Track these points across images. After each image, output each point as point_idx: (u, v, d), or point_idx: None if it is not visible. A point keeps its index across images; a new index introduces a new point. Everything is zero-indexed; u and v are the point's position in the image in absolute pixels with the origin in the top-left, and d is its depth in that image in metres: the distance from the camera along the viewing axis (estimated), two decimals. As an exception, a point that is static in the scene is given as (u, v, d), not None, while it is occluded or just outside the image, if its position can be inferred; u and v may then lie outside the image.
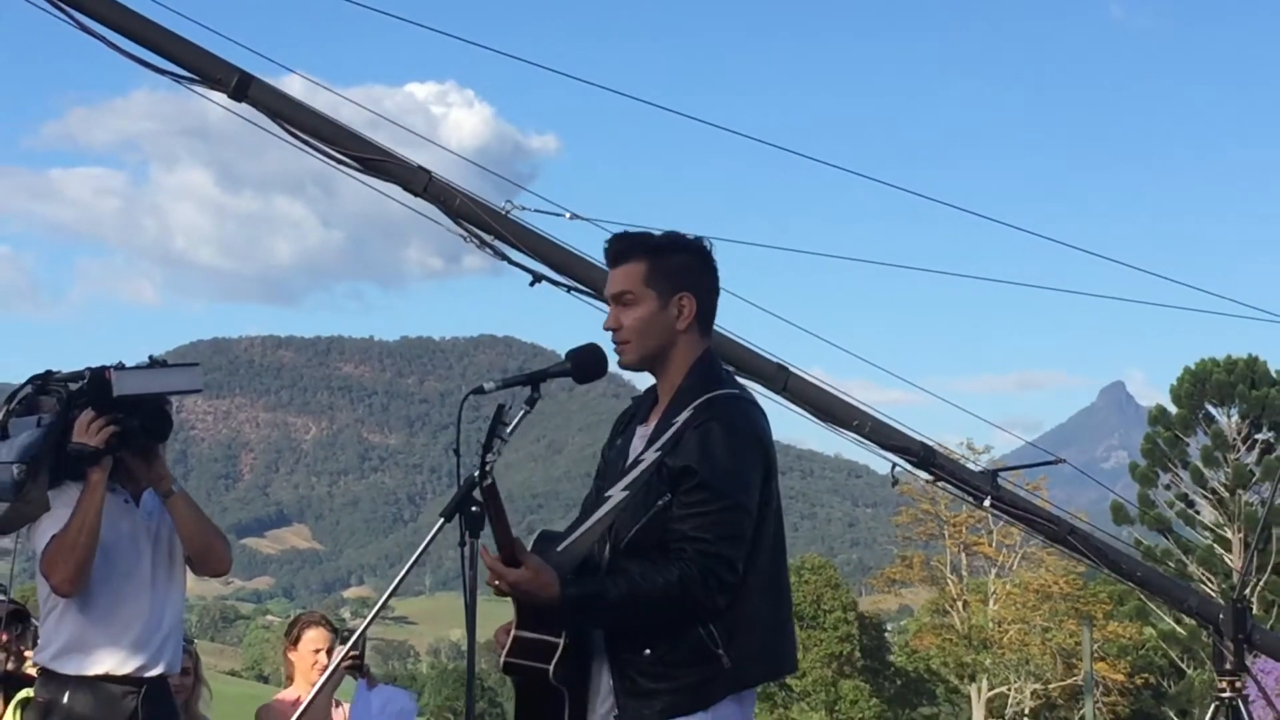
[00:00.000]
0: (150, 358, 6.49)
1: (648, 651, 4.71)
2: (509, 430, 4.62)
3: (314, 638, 8.43)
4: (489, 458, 4.51)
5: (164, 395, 6.47)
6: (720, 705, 4.75)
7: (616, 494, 4.84)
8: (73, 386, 6.40)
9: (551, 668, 4.74)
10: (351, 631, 7.70)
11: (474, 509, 4.54)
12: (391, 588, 5.29)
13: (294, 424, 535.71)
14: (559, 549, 4.84)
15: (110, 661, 6.37)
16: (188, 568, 6.69)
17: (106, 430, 6.22)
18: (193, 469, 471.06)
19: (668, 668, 4.71)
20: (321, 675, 7.91)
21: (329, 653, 8.30)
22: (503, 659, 4.82)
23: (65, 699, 6.33)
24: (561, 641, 4.74)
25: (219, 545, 6.71)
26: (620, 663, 4.77)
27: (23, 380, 6.46)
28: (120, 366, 6.35)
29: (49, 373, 6.48)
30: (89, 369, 6.39)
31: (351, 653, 7.76)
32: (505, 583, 4.59)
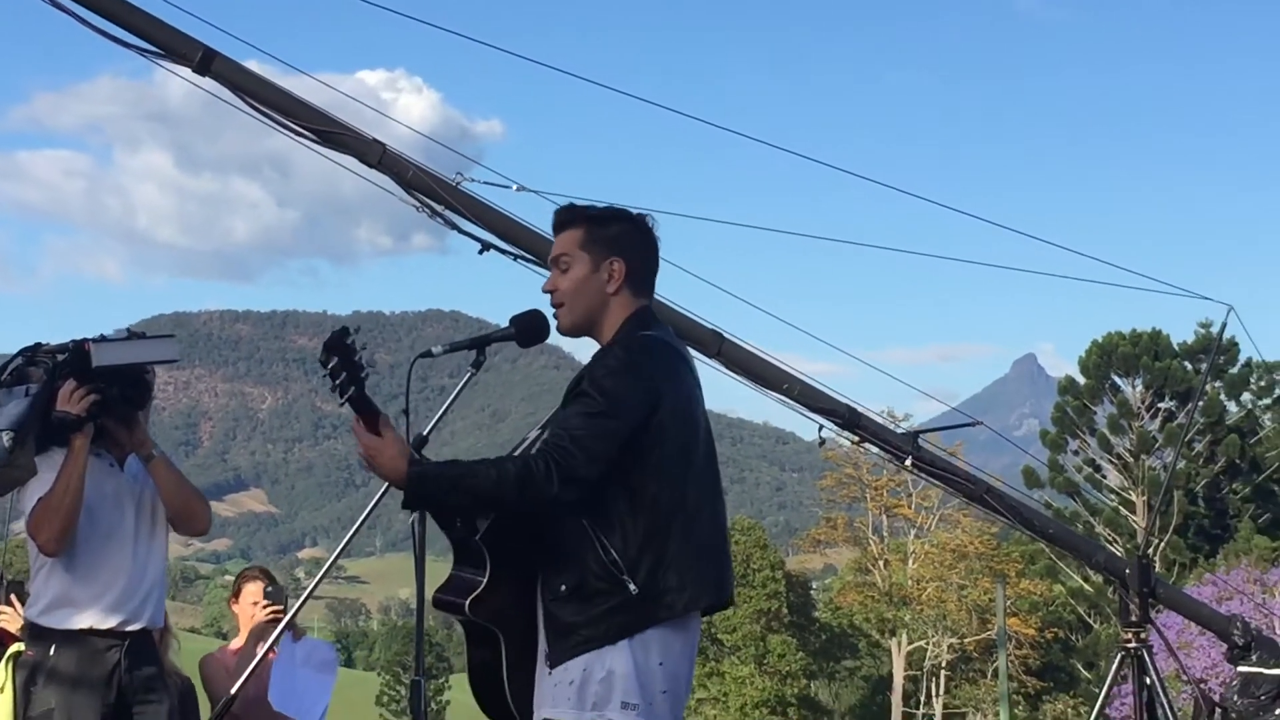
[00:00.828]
0: (129, 330, 6.57)
1: (563, 587, 4.65)
2: (459, 390, 4.60)
3: (252, 590, 8.46)
4: (338, 381, 4.48)
5: (142, 365, 6.54)
6: (643, 636, 4.67)
7: (533, 433, 4.85)
8: (60, 358, 6.44)
9: (467, 603, 4.67)
10: (280, 589, 8.10)
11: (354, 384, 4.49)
12: (341, 545, 5.26)
13: (251, 394, 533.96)
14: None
15: (94, 616, 6.43)
16: (170, 528, 6.73)
17: (87, 399, 6.31)
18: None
19: (581, 602, 4.63)
20: (263, 620, 8.08)
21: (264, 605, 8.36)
22: (433, 594, 4.76)
23: (52, 652, 6.39)
24: (483, 580, 4.67)
25: (199, 506, 6.79)
26: (544, 600, 4.72)
27: (7, 352, 6.51)
28: (100, 338, 6.43)
29: (38, 345, 6.53)
30: (72, 341, 6.45)
31: (274, 607, 8.07)
32: (361, 442, 4.56)
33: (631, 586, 4.63)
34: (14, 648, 6.85)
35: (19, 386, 6.33)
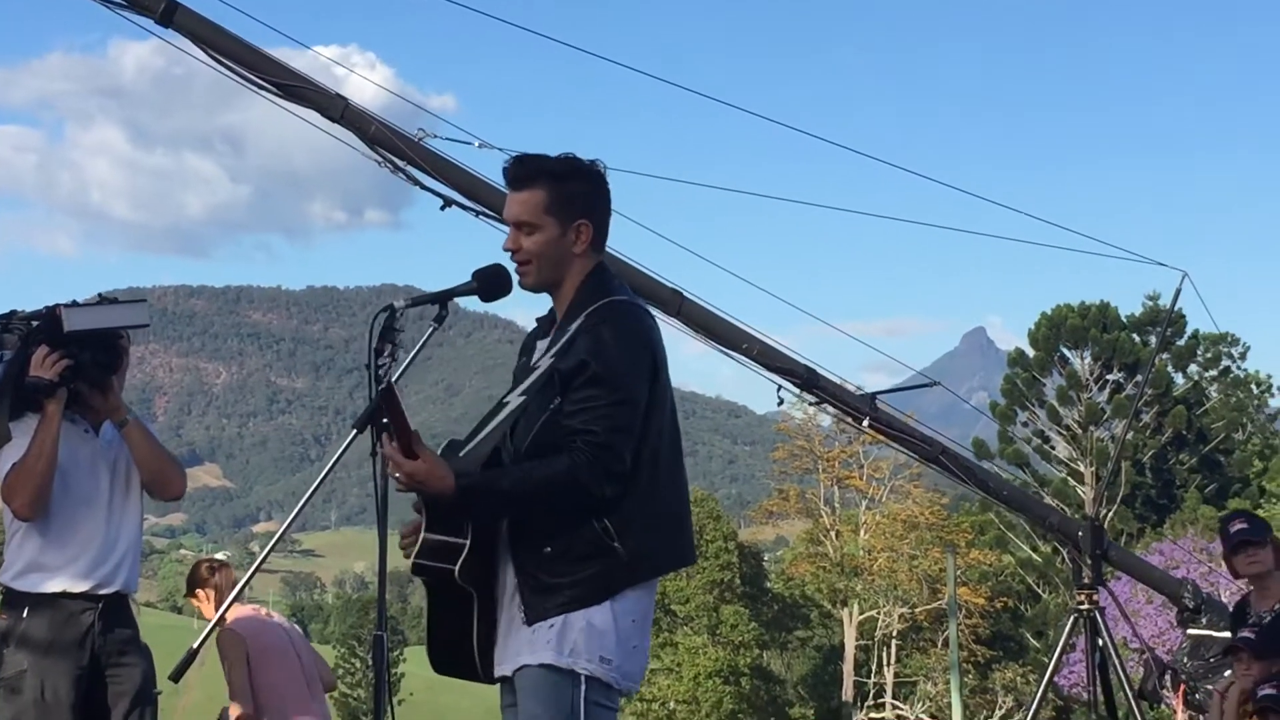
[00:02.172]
0: (100, 295, 6.60)
1: (548, 549, 4.67)
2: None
3: (218, 581, 8.82)
4: (382, 361, 4.48)
5: (114, 330, 6.50)
6: (622, 596, 4.73)
7: (513, 399, 4.81)
8: (33, 324, 6.43)
9: (457, 568, 4.68)
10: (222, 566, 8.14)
11: (384, 421, 4.47)
12: (291, 516, 5.20)
13: (205, 369, 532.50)
14: (460, 454, 4.78)
15: (68, 580, 6.40)
16: (145, 493, 6.69)
17: (60, 364, 6.29)
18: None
19: (567, 564, 4.66)
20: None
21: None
22: (411, 560, 4.75)
23: (25, 615, 6.36)
24: (467, 543, 4.68)
25: (173, 471, 6.74)
26: (522, 560, 4.72)
27: None
28: (73, 304, 6.41)
29: (13, 312, 6.51)
30: (45, 308, 6.43)
31: None
32: (403, 473, 4.52)
33: (621, 552, 4.68)
34: None
35: None
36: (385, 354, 4.50)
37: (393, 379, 4.48)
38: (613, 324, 4.75)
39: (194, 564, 9.43)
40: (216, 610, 8.30)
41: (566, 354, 4.72)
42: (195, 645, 4.66)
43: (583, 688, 4.66)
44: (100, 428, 6.61)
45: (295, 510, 5.06)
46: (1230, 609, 9.59)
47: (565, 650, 4.65)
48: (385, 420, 4.47)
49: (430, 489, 4.56)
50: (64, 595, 6.38)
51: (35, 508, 6.32)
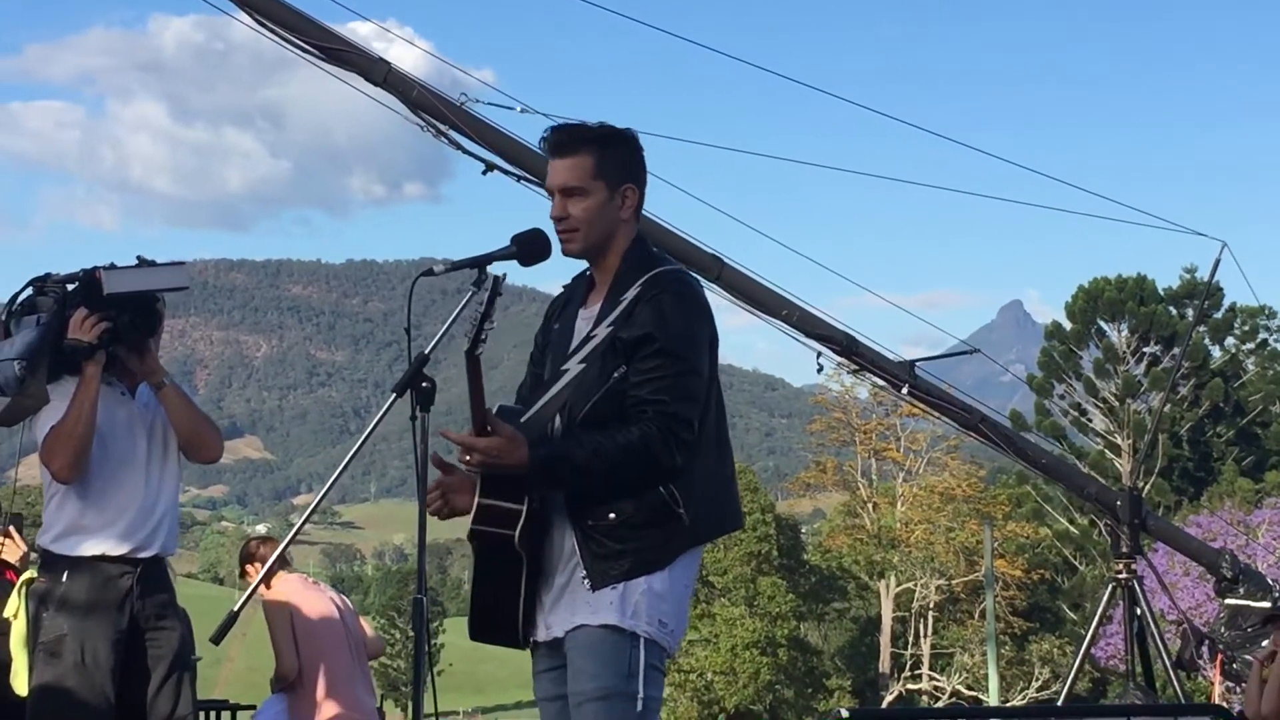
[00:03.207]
0: (139, 258, 6.48)
1: (612, 516, 4.69)
2: (461, 309, 4.55)
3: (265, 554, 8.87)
4: (486, 325, 4.47)
5: (152, 293, 6.50)
6: (680, 561, 4.77)
7: (574, 366, 4.82)
8: (69, 287, 6.42)
9: (516, 533, 4.70)
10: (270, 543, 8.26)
11: (424, 384, 4.47)
12: (326, 487, 5.19)
13: (246, 342, 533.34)
14: (521, 421, 4.79)
15: (106, 543, 6.38)
16: (182, 456, 6.68)
17: (99, 327, 6.27)
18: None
19: (632, 529, 4.69)
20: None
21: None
22: (469, 526, 4.77)
23: (65, 578, 6.34)
24: (524, 508, 4.70)
25: (210, 434, 6.71)
26: (584, 528, 4.73)
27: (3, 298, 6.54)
28: (111, 266, 6.37)
29: (47, 275, 6.50)
30: (83, 270, 6.42)
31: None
32: (479, 450, 4.55)
33: (685, 518, 4.72)
34: (26, 574, 6.81)
35: (30, 316, 6.34)
36: (490, 319, 4.47)
37: (482, 335, 4.46)
38: (674, 294, 4.77)
39: (244, 542, 9.51)
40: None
41: (628, 323, 4.74)
42: (235, 608, 4.67)
43: (641, 650, 4.69)
44: (136, 390, 6.59)
45: (333, 478, 5.06)
46: (1269, 580, 9.56)
47: (628, 612, 4.68)
48: (426, 386, 4.46)
49: (506, 464, 4.59)
50: (103, 559, 6.36)
51: (74, 470, 6.30)
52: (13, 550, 7.63)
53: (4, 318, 6.41)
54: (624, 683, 4.67)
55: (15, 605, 6.83)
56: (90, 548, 6.37)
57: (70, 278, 6.42)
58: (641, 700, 4.68)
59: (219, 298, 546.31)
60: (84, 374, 6.26)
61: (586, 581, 4.72)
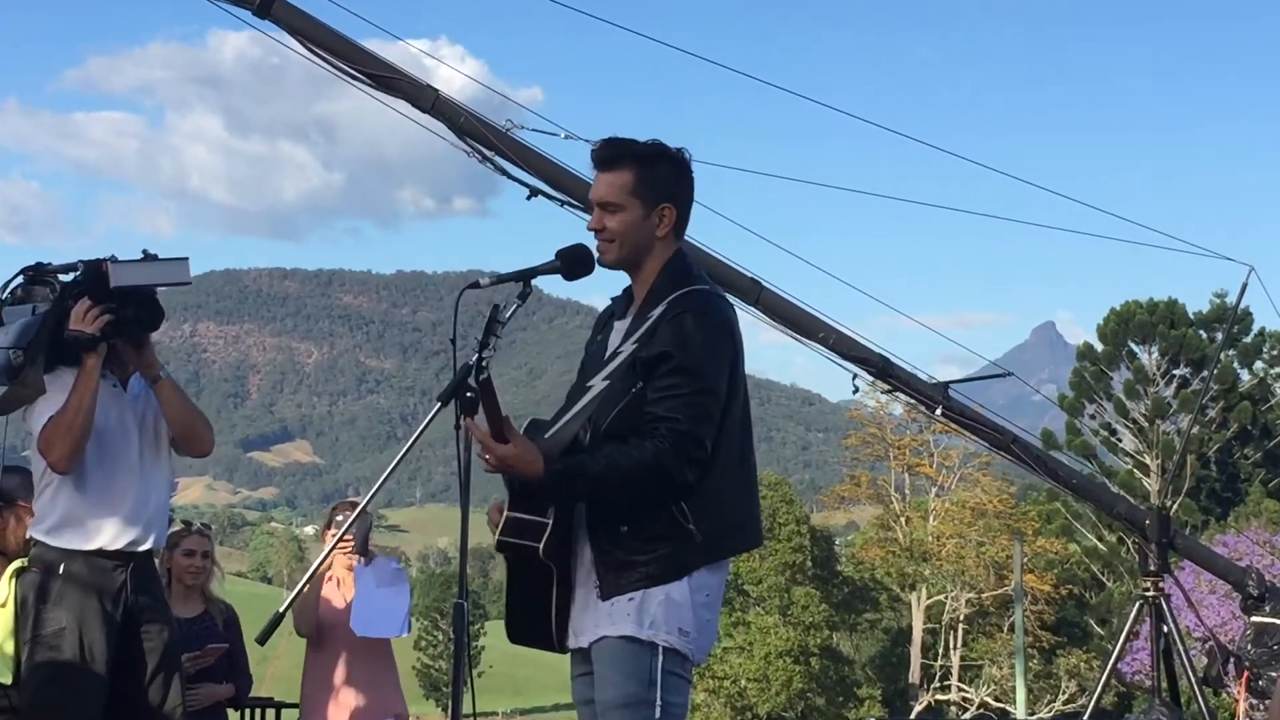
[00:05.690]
0: (144, 251, 6.33)
1: (624, 529, 4.70)
2: (503, 324, 4.55)
3: (340, 521, 8.61)
4: (485, 353, 4.45)
5: (155, 287, 6.34)
6: (695, 574, 4.76)
7: (597, 383, 4.84)
8: (63, 278, 6.30)
9: (542, 545, 4.72)
10: (362, 516, 7.94)
11: (469, 394, 4.47)
12: (373, 490, 5.19)
13: (298, 348, 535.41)
14: (546, 435, 4.81)
15: (103, 537, 6.28)
16: (173, 449, 6.59)
17: (102, 319, 6.14)
18: (204, 388, 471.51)
19: (643, 542, 4.70)
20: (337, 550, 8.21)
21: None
22: (496, 538, 4.80)
23: (60, 570, 6.24)
24: (550, 521, 4.72)
25: (202, 428, 6.60)
26: (600, 539, 4.75)
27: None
28: (114, 259, 6.24)
29: (40, 264, 6.39)
30: (82, 261, 6.29)
31: (345, 538, 8.14)
32: (494, 456, 4.55)
33: (695, 532, 4.71)
34: (16, 563, 6.64)
35: (23, 305, 6.22)
36: (490, 346, 4.46)
37: (483, 362, 4.45)
38: (696, 314, 4.75)
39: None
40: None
41: (650, 341, 4.73)
42: (280, 609, 4.66)
43: (660, 658, 4.70)
44: (127, 383, 6.49)
45: (377, 484, 5.06)
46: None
47: (645, 623, 4.69)
48: (470, 396, 4.46)
49: (519, 472, 4.59)
50: (99, 553, 6.27)
51: (72, 461, 6.17)
52: (19, 533, 7.26)
53: None
54: (644, 690, 4.70)
55: (4, 593, 6.57)
56: (86, 541, 6.26)
57: (66, 267, 6.31)
58: (660, 706, 4.70)
59: (272, 305, 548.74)
60: (84, 365, 6.13)
61: (598, 591, 4.75)
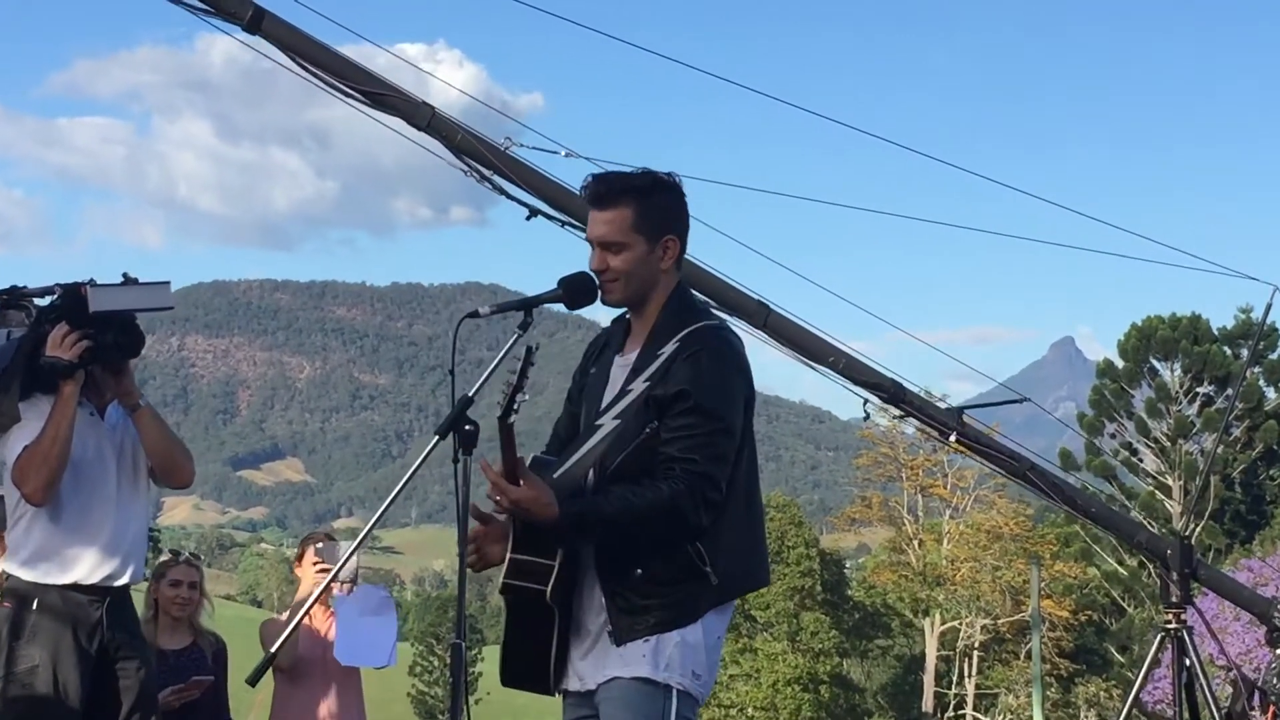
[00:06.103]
0: (124, 275, 6.29)
1: (639, 571, 4.71)
2: (508, 352, 4.55)
3: (312, 554, 8.46)
4: (519, 398, 4.42)
5: (135, 312, 6.29)
6: (706, 617, 4.78)
7: (608, 423, 4.81)
8: (40, 301, 6.28)
9: (549, 589, 4.73)
10: (334, 545, 8.11)
11: (467, 427, 4.46)
12: (375, 517, 5.18)
13: (289, 363, 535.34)
14: (555, 475, 4.79)
15: (79, 570, 6.24)
16: (151, 481, 6.56)
17: (81, 345, 6.09)
18: (193, 404, 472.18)
19: (658, 585, 4.71)
20: (319, 582, 7.98)
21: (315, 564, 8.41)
22: (500, 581, 4.81)
23: (34, 605, 6.20)
24: (556, 563, 4.73)
25: (182, 458, 6.56)
26: (612, 582, 4.76)
27: None
28: (92, 283, 6.18)
29: (15, 287, 6.35)
30: (59, 285, 6.25)
31: (324, 565, 8.12)
32: (507, 499, 4.55)
33: (712, 576, 4.74)
34: None
35: None
36: (524, 389, 4.42)
37: (515, 405, 4.43)
38: (711, 352, 4.77)
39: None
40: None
41: (664, 380, 4.73)
42: (273, 649, 4.67)
43: (675, 701, 4.72)
44: (105, 411, 6.44)
45: (375, 516, 5.05)
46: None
47: (661, 665, 4.70)
48: (470, 430, 4.45)
49: (533, 516, 4.59)
50: (75, 587, 6.23)
51: (49, 492, 6.12)
52: None
53: None
54: None
55: None
56: (63, 575, 6.22)
57: (41, 291, 6.28)
58: None
59: (263, 318, 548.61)
60: (61, 393, 6.07)
61: (610, 635, 4.75)
